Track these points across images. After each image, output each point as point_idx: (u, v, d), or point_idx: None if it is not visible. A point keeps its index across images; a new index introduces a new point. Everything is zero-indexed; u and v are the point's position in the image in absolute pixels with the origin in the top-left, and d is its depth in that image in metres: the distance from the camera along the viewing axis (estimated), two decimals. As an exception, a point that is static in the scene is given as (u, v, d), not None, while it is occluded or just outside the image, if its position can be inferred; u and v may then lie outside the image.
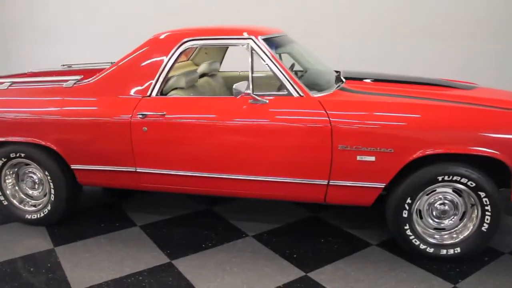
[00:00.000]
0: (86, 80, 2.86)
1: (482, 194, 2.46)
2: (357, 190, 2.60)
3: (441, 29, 5.29)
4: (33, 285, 2.40)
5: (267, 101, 2.60)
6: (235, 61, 3.84)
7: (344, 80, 2.99)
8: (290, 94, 2.61)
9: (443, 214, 2.59)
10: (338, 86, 2.81)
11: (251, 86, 2.60)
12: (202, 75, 3.70)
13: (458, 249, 2.57)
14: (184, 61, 4.06)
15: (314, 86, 2.78)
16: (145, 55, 2.79)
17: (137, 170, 2.81)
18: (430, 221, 2.62)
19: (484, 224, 2.51)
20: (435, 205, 2.59)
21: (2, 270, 2.56)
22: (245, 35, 2.69)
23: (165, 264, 2.62)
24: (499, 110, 2.49)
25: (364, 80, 3.13)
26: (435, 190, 2.56)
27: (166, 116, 2.67)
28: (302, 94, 2.59)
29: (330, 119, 2.50)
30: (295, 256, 2.70)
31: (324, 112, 2.51)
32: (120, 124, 2.72)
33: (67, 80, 2.88)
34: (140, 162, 2.78)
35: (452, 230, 2.61)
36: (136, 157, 2.77)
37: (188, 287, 2.38)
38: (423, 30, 5.39)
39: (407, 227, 2.58)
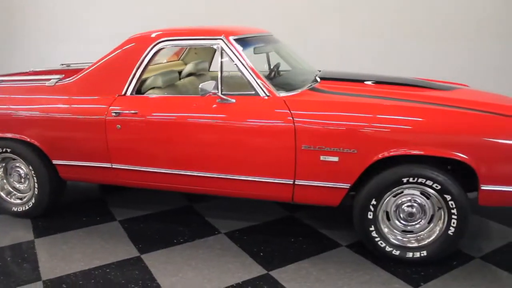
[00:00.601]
0: (67, 79, 2.98)
1: (448, 197, 2.42)
2: (322, 190, 2.60)
3: (443, 30, 5.21)
4: (6, 274, 2.53)
5: (234, 101, 2.64)
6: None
7: (318, 80, 3.00)
8: (257, 94, 2.64)
9: (410, 217, 2.56)
10: (309, 86, 2.82)
11: (219, 86, 2.65)
12: (189, 74, 3.78)
13: (425, 252, 2.53)
14: (175, 60, 4.15)
15: (287, 86, 2.80)
16: (121, 55, 2.89)
17: (113, 166, 2.90)
18: (398, 223, 2.59)
19: (451, 228, 2.47)
20: (403, 207, 2.57)
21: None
22: (216, 35, 2.75)
23: (134, 257, 2.70)
24: (468, 112, 2.44)
25: (345, 80, 3.12)
26: (402, 192, 2.54)
27: (138, 114, 2.76)
28: (268, 94, 2.62)
29: (294, 119, 2.51)
30: (261, 254, 2.72)
31: (288, 112, 2.53)
32: (96, 121, 2.83)
33: (50, 79, 3.02)
34: (115, 159, 2.88)
35: (419, 233, 2.58)
36: (111, 153, 2.87)
37: (151, 280, 2.46)
38: (425, 30, 5.32)
39: (372, 228, 2.56)
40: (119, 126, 2.79)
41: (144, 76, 2.96)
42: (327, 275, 2.49)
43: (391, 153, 2.41)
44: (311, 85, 2.84)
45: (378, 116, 2.45)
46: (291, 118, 2.51)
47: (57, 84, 2.98)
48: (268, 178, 2.65)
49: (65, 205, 3.45)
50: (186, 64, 4.04)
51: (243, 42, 2.84)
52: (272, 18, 5.79)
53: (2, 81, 3.13)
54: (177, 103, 2.77)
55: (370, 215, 2.54)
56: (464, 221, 2.44)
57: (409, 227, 2.58)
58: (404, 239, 2.58)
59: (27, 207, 3.14)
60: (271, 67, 3.30)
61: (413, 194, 2.53)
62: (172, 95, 2.97)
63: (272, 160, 2.61)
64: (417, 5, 5.05)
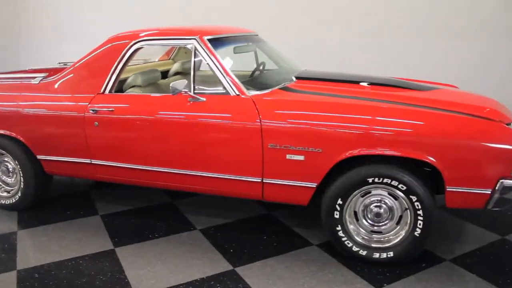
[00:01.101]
0: (51, 78, 3.10)
1: (414, 198, 2.40)
2: (290, 189, 2.62)
3: (449, 30, 5.16)
4: (-15, 263, 2.66)
5: (205, 99, 2.68)
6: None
7: (294, 79, 3.02)
8: (227, 92, 2.68)
9: (377, 217, 2.56)
10: (281, 86, 2.84)
11: (192, 85, 2.70)
12: (177, 73, 3.85)
13: (391, 253, 2.52)
14: (166, 60, 4.24)
15: (260, 85, 2.84)
16: (101, 55, 2.98)
17: (92, 162, 3.00)
18: (366, 223, 2.59)
19: (417, 229, 2.44)
20: (370, 207, 2.56)
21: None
22: (190, 35, 2.80)
23: (108, 250, 2.78)
24: (436, 113, 2.41)
25: (323, 80, 3.12)
26: (370, 192, 2.53)
27: (114, 112, 2.84)
28: (238, 93, 2.65)
29: (261, 117, 2.54)
30: (231, 251, 2.76)
31: (256, 111, 2.56)
32: (76, 118, 2.92)
33: (35, 77, 3.14)
34: (94, 155, 2.97)
35: (387, 234, 2.57)
36: (90, 149, 2.96)
37: (119, 272, 2.53)
38: (432, 30, 5.28)
39: (339, 228, 2.56)
40: (97, 123, 2.88)
41: (126, 75, 3.04)
42: (290, 273, 2.51)
43: (355, 153, 2.41)
44: (284, 85, 2.86)
45: (342, 115, 2.45)
46: (258, 117, 2.54)
47: (41, 82, 3.09)
48: (238, 176, 2.69)
49: (52, 198, 3.57)
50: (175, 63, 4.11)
51: (219, 42, 2.89)
52: (272, 17, 5.87)
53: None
54: (151, 101, 2.83)
55: (336, 215, 2.54)
56: (430, 223, 2.41)
57: (375, 227, 2.58)
58: (371, 240, 2.58)
59: (13, 200, 3.28)
60: (257, 66, 3.36)
61: (380, 195, 2.52)
62: (147, 94, 3.02)
63: (241, 159, 2.65)
64: (426, 5, 5.02)
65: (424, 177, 2.42)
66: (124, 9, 6.31)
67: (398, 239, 2.52)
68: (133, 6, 6.24)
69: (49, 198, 3.55)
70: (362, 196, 2.56)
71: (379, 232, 2.59)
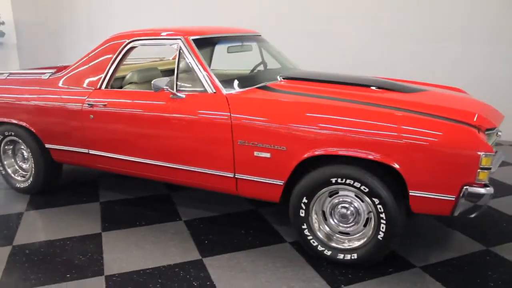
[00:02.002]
0: (58, 73, 3.39)
1: (376, 201, 2.37)
2: (261, 185, 2.68)
3: (461, 32, 4.99)
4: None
5: (184, 96, 2.81)
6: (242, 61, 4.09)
7: (279, 79, 3.07)
8: (205, 90, 2.79)
9: (343, 218, 2.55)
10: (261, 85, 2.90)
11: (175, 82, 2.85)
12: (184, 71, 4.02)
13: (355, 255, 2.50)
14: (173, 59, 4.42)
15: (243, 84, 2.92)
16: (99, 53, 3.21)
17: (89, 152, 3.24)
18: (333, 223, 2.59)
19: (380, 233, 2.41)
20: (338, 208, 2.56)
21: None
22: (176, 35, 2.94)
23: (95, 234, 3.00)
24: (405, 115, 2.36)
25: (308, 80, 3.12)
26: (338, 193, 2.53)
27: (106, 106, 3.06)
28: (214, 91, 2.76)
29: (231, 115, 2.62)
30: (206, 242, 2.87)
31: (228, 108, 2.65)
32: (75, 111, 3.18)
33: (45, 73, 3.45)
34: (90, 145, 3.21)
35: (354, 236, 2.55)
36: (87, 140, 3.21)
37: (98, 253, 2.73)
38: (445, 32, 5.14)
39: (305, 226, 2.59)
40: (92, 116, 3.12)
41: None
42: (254, 266, 2.57)
43: (318, 153, 2.42)
44: (264, 84, 2.92)
45: (307, 115, 2.47)
46: (229, 114, 2.63)
47: (49, 77, 3.39)
48: (213, 170, 2.79)
49: (64, 184, 3.89)
50: None
51: (205, 42, 3.03)
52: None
53: (12, 73, 3.65)
54: (138, 97, 3.01)
55: (302, 213, 2.57)
56: (393, 227, 2.37)
57: (341, 228, 2.57)
58: (336, 240, 2.57)
59: (27, 185, 3.62)
60: (261, 65, 3.54)
61: (347, 196, 2.51)
62: (135, 90, 3.20)
63: (214, 154, 2.75)
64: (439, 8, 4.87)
65: (389, 180, 2.38)
66: (156, 9, 6.63)
67: (362, 241, 2.50)
68: (162, 6, 6.54)
69: (62, 184, 3.87)
70: (330, 196, 2.56)
71: (347, 233, 2.58)
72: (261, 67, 3.75)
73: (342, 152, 2.37)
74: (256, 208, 3.38)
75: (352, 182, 2.40)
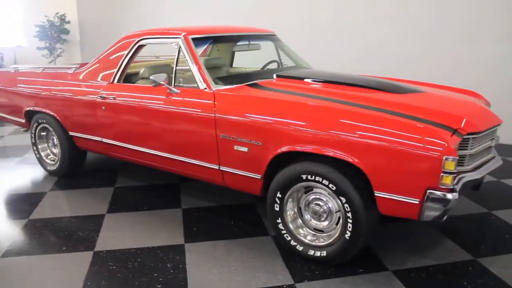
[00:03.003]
0: (81, 68, 3.74)
1: (343, 199, 2.38)
2: (242, 178, 2.79)
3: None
4: (9, 210, 3.41)
5: (179, 91, 3.00)
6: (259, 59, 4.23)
7: (274, 77, 3.16)
8: (197, 86, 2.95)
9: (315, 215, 2.58)
10: (251, 82, 3.01)
11: (173, 78, 3.04)
12: None
13: (324, 253, 2.52)
14: (203, 56, 4.63)
15: (236, 81, 3.05)
16: (114, 51, 3.51)
17: (103, 141, 3.55)
18: (307, 220, 2.62)
19: (347, 232, 2.41)
20: (311, 204, 2.59)
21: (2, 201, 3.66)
22: (177, 35, 3.13)
23: (100, 215, 3.29)
24: (377, 115, 2.33)
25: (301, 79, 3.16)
26: (313, 190, 2.57)
27: (115, 98, 3.34)
28: (205, 87, 2.91)
29: (215, 109, 2.76)
30: (194, 229, 3.04)
31: (213, 103, 2.79)
32: (90, 102, 3.51)
33: (72, 68, 3.83)
34: (103, 134, 3.52)
35: (328, 233, 2.56)
36: (100, 129, 3.52)
37: (95, 231, 3.01)
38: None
39: (279, 220, 2.65)
40: (104, 107, 3.42)
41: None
42: (228, 255, 2.68)
43: (288, 149, 2.48)
44: (255, 81, 3.03)
45: (282, 111, 2.54)
46: (213, 109, 2.77)
47: (74, 71, 3.76)
48: (202, 162, 2.95)
49: (89, 169, 4.28)
50: (221, 58, 4.46)
51: (204, 41, 3.20)
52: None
53: (46, 68, 4.09)
54: (141, 91, 3.25)
55: (276, 207, 2.63)
56: (359, 227, 2.36)
57: (315, 225, 2.60)
58: (308, 236, 2.60)
59: (55, 168, 4.04)
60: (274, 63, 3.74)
61: (321, 193, 2.54)
62: (142, 85, 3.40)
63: (201, 146, 2.91)
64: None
65: (357, 180, 2.36)
66: (202, 9, 6.93)
67: (331, 239, 2.51)
68: (211, 5, 6.81)
69: (86, 169, 4.26)
70: (306, 193, 2.61)
71: (321, 231, 2.61)
72: (274, 65, 3.87)
73: (308, 149, 2.41)
74: (256, 202, 3.48)
75: (321, 179, 2.43)
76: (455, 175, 2.11)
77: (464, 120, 2.38)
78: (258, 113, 2.60)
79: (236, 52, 4.47)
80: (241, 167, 2.75)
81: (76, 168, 4.09)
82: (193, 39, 3.11)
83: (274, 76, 3.18)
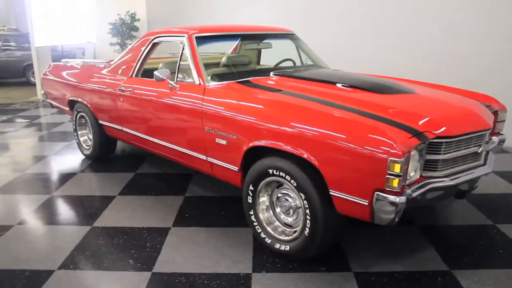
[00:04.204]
0: (110, 63, 4.14)
1: (303, 196, 2.42)
2: (224, 170, 2.94)
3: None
4: (31, 185, 3.91)
5: (178, 86, 3.21)
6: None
7: (271, 74, 3.25)
8: (194, 82, 3.14)
9: (284, 209, 2.64)
10: (243, 79, 3.12)
11: (176, 73, 3.27)
12: (224, 65, 4.40)
13: (288, 247, 2.58)
14: (233, 54, 4.81)
15: (230, 77, 3.21)
16: (136, 47, 3.84)
17: (122, 129, 3.91)
18: (278, 213, 2.69)
19: (306, 229, 2.45)
20: (281, 199, 2.66)
21: (38, 177, 4.18)
22: (183, 33, 3.36)
23: (111, 196, 3.64)
24: (341, 115, 2.33)
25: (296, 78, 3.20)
26: (282, 185, 2.63)
27: (130, 91, 3.66)
28: (199, 82, 3.09)
29: (203, 103, 2.94)
30: (186, 215, 3.25)
31: (202, 97, 2.96)
32: (112, 94, 3.88)
33: (103, 62, 4.25)
34: (122, 123, 3.87)
35: (292, 229, 2.61)
36: (120, 119, 3.88)
37: (100, 211, 3.35)
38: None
39: (251, 212, 2.75)
40: (122, 99, 3.77)
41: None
42: (204, 241, 2.85)
43: (257, 144, 2.57)
44: (247, 79, 3.14)
45: (256, 107, 2.63)
46: (201, 103, 2.95)
47: (103, 66, 4.18)
48: (194, 152, 3.15)
49: (119, 156, 4.71)
50: (246, 55, 4.62)
51: (208, 39, 3.39)
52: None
53: (85, 62, 4.57)
54: (150, 85, 3.52)
55: (249, 200, 2.74)
56: (317, 224, 2.38)
57: (283, 219, 2.66)
58: (275, 230, 2.67)
59: (89, 152, 4.52)
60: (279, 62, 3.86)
61: (288, 188, 2.60)
62: (150, 80, 3.60)
63: (192, 138, 3.10)
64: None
65: (317, 177, 2.38)
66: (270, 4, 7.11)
67: (294, 235, 2.56)
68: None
69: (117, 155, 4.70)
70: (277, 188, 2.67)
71: (290, 226, 2.66)
72: (289, 63, 3.95)
73: (272, 144, 2.48)
74: (251, 196, 3.60)
75: (284, 175, 2.49)
76: (401, 178, 2.04)
77: (434, 122, 2.29)
78: (235, 108, 2.72)
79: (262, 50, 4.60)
80: (222, 159, 2.90)
81: (107, 153, 4.53)
82: (198, 37, 3.31)
83: (271, 74, 3.27)
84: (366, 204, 2.15)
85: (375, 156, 2.07)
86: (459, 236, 2.91)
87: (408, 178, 2.20)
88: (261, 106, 2.63)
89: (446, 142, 2.31)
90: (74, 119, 4.64)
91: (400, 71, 4.27)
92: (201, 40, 3.33)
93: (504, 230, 2.95)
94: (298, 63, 4.01)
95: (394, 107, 2.50)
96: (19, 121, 6.87)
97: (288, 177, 2.47)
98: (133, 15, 9.41)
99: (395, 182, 2.04)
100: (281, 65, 4.04)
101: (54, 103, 5.07)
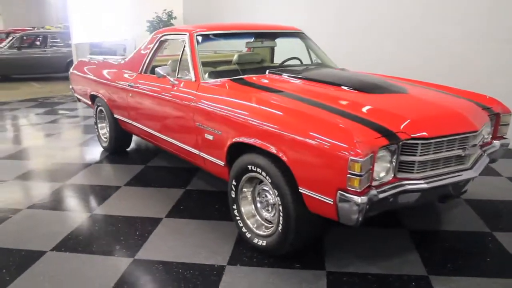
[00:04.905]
0: (125, 60, 4.34)
1: (276, 193, 2.44)
2: (213, 164, 3.02)
3: None
4: (51, 174, 4.18)
5: (177, 82, 3.33)
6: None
7: (267, 73, 3.29)
8: (191, 78, 3.25)
9: (261, 205, 2.68)
10: (237, 77, 3.19)
11: (177, 70, 3.40)
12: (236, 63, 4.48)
13: (264, 243, 2.61)
14: (248, 52, 4.86)
15: (225, 75, 3.29)
16: (146, 45, 4.00)
17: (132, 123, 4.10)
18: (259, 208, 2.73)
19: (280, 225, 2.47)
20: (261, 195, 2.70)
21: (56, 166, 4.45)
22: (185, 32, 3.47)
23: (117, 186, 3.83)
24: (311, 113, 2.36)
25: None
26: (263, 181, 2.67)
27: (138, 87, 3.83)
28: (195, 79, 3.19)
29: (195, 99, 3.03)
30: (181, 207, 3.36)
31: (195, 93, 3.06)
32: (124, 89, 4.07)
33: (118, 59, 4.47)
34: (132, 117, 4.06)
35: (271, 225, 2.64)
36: (130, 113, 4.06)
37: (104, 199, 3.54)
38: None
39: (234, 207, 2.81)
40: (131, 94, 3.95)
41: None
42: (191, 232, 2.94)
43: (237, 140, 2.63)
44: (241, 76, 3.20)
45: (235, 103, 2.69)
46: (194, 99, 3.04)
47: (119, 63, 4.38)
48: (189, 147, 3.25)
49: (136, 149, 4.92)
50: (258, 53, 4.69)
51: (210, 37, 3.49)
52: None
53: (105, 58, 4.82)
54: (154, 81, 3.66)
55: (232, 194, 2.80)
56: (289, 221, 2.40)
57: (263, 214, 2.70)
58: (254, 225, 2.71)
59: (106, 145, 4.77)
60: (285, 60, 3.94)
61: (266, 184, 2.63)
62: (154, 76, 3.71)
63: (186, 133, 3.21)
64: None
65: (290, 174, 2.39)
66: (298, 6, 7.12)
67: (269, 231, 2.59)
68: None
69: (135, 148, 4.91)
70: (259, 184, 2.72)
71: (270, 221, 2.69)
72: (297, 61, 3.97)
73: (249, 141, 2.53)
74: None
75: (260, 171, 2.52)
76: (362, 178, 2.01)
77: (412, 123, 2.25)
78: (218, 104, 2.80)
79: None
80: (211, 154, 2.98)
81: (122, 146, 4.76)
82: (200, 36, 3.42)
83: (267, 72, 3.31)
84: (331, 203, 2.15)
85: (337, 154, 2.06)
86: (449, 242, 2.80)
87: (377, 178, 2.18)
88: (243, 103, 2.68)
89: (422, 143, 2.25)
90: (94, 113, 4.91)
91: (412, 71, 4.18)
92: (204, 38, 3.44)
93: (500, 239, 2.81)
94: (308, 62, 4.02)
95: (375, 106, 2.47)
96: (54, 113, 7.34)
97: (264, 174, 2.50)
98: (170, 13, 9.73)
99: (356, 182, 2.02)
100: (289, 63, 4.08)
101: (80, 97, 5.38)
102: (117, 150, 4.74)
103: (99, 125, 4.94)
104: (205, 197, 3.57)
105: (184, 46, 3.42)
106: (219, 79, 3.18)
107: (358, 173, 2.01)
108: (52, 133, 5.95)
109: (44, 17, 22.98)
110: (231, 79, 3.17)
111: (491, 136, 2.97)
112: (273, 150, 2.37)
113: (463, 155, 2.43)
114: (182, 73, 3.42)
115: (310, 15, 6.83)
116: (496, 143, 2.95)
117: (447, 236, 2.88)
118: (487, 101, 2.94)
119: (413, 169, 2.29)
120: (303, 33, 4.09)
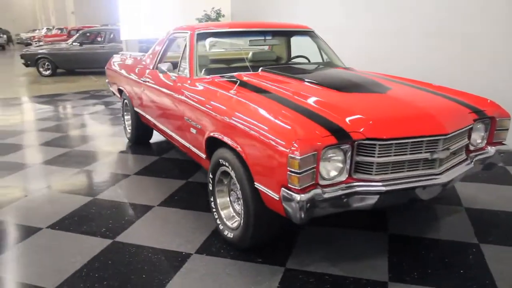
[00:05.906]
0: (145, 55, 4.60)
1: (239, 187, 2.50)
2: (198, 157, 3.15)
3: None
4: (76, 161, 4.54)
5: (176, 78, 3.49)
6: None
7: (259, 70, 3.35)
8: (187, 75, 3.39)
9: (232, 198, 2.75)
10: (228, 74, 3.27)
11: (179, 66, 3.56)
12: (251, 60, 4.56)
13: (232, 235, 2.68)
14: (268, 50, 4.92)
15: (219, 72, 3.39)
16: (158, 43, 4.22)
17: (146, 116, 4.34)
18: (232, 201, 2.81)
19: (242, 219, 2.52)
20: (234, 188, 2.77)
21: (81, 153, 4.83)
22: (188, 30, 3.62)
23: (126, 174, 4.09)
24: (277, 110, 2.38)
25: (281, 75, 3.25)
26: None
27: (148, 82, 4.05)
28: (189, 75, 3.32)
29: (185, 94, 3.17)
30: (176, 198, 3.52)
31: (187, 88, 3.21)
32: (139, 83, 4.33)
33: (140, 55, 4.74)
34: (145, 110, 4.30)
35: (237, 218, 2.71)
36: (144, 106, 4.31)
37: (112, 184, 3.81)
38: None
39: (212, 199, 2.91)
40: (143, 88, 4.19)
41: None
42: (176, 222, 3.09)
43: (211, 134, 2.72)
44: (232, 74, 3.28)
45: (212, 98, 2.80)
46: (184, 93, 3.18)
47: (140, 58, 4.65)
48: (182, 139, 3.41)
49: (157, 141, 5.19)
50: (273, 52, 4.76)
51: (211, 35, 3.62)
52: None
53: (131, 54, 5.13)
54: (159, 77, 3.85)
55: (210, 187, 2.90)
56: (248, 216, 2.45)
57: (234, 207, 2.77)
58: (225, 216, 2.78)
59: (129, 136, 5.09)
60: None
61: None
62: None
63: (179, 125, 3.36)
64: None
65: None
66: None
67: (236, 223, 2.65)
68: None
69: (154, 140, 5.19)
70: (233, 177, 2.79)
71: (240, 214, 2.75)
72: (304, 60, 3.99)
73: (216, 135, 2.63)
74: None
75: (228, 165, 2.60)
76: (300, 175, 2.01)
77: (366, 123, 2.21)
78: (197, 99, 2.92)
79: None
80: (196, 146, 3.11)
81: (143, 137, 5.04)
82: (201, 34, 3.56)
83: (260, 69, 3.36)
84: (277, 199, 2.17)
85: (279, 151, 2.08)
86: (427, 250, 2.67)
87: (327, 177, 2.17)
88: (213, 99, 2.78)
89: (380, 144, 2.20)
90: (122, 105, 5.25)
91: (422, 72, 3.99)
92: (205, 36, 3.57)
93: (485, 251, 2.63)
94: (319, 60, 4.01)
95: (340, 105, 2.43)
96: (100, 105, 7.91)
97: (230, 168, 2.58)
98: (218, 11, 10.02)
99: (295, 180, 2.03)
100: (296, 61, 4.09)
101: (113, 91, 5.78)
102: (138, 140, 5.04)
103: (125, 117, 5.28)
104: (202, 189, 3.70)
105: (186, 44, 3.58)
106: (210, 76, 3.29)
107: (297, 171, 2.02)
108: (90, 123, 6.45)
109: (113, 15, 24.62)
110: (220, 76, 3.27)
111: (485, 142, 2.79)
112: (229, 142, 2.44)
113: (430, 158, 2.32)
114: (181, 70, 3.59)
115: (346, 16, 6.71)
116: (491, 149, 2.76)
117: (428, 244, 2.75)
118: (481, 103, 2.75)
119: (371, 171, 2.24)
120: (313, 31, 4.07)
